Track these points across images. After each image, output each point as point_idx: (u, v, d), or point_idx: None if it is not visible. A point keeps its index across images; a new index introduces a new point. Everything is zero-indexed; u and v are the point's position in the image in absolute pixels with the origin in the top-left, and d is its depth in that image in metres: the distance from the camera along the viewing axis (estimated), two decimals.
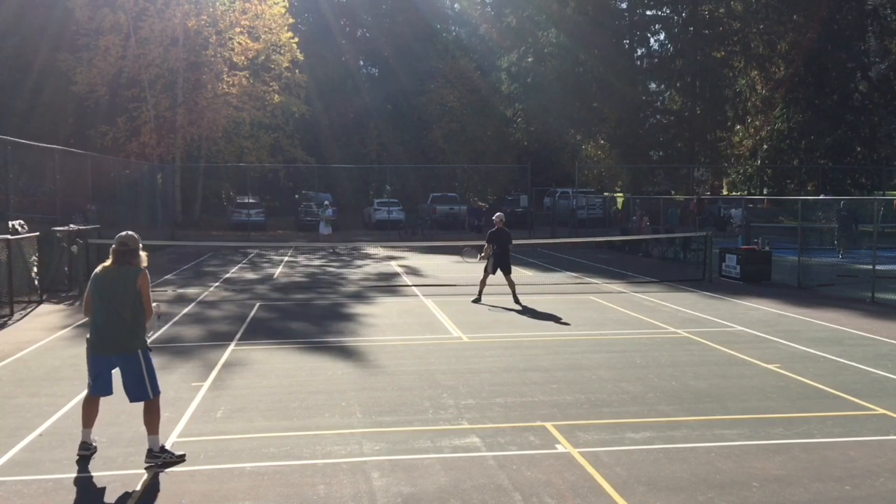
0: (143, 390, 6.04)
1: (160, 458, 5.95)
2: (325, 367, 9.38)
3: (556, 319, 12.86)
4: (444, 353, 10.16)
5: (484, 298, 14.85)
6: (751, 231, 24.59)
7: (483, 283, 14.97)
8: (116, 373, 6.14)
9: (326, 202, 29.14)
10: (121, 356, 6.03)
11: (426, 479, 5.73)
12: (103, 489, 5.54)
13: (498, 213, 15.55)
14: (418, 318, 12.95)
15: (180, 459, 6.00)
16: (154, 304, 6.25)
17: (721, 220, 36.40)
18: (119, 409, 7.49)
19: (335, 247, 27.72)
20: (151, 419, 6.05)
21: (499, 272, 14.86)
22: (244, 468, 5.93)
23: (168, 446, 6.39)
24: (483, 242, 15.45)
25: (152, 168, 31.82)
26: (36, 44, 35.32)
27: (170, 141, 36.63)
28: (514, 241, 25.60)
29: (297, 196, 41.53)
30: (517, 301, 14.51)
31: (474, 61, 51.21)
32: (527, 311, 13.73)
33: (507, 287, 14.85)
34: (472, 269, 21.72)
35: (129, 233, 6.26)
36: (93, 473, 5.82)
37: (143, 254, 6.23)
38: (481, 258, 15.31)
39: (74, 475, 5.80)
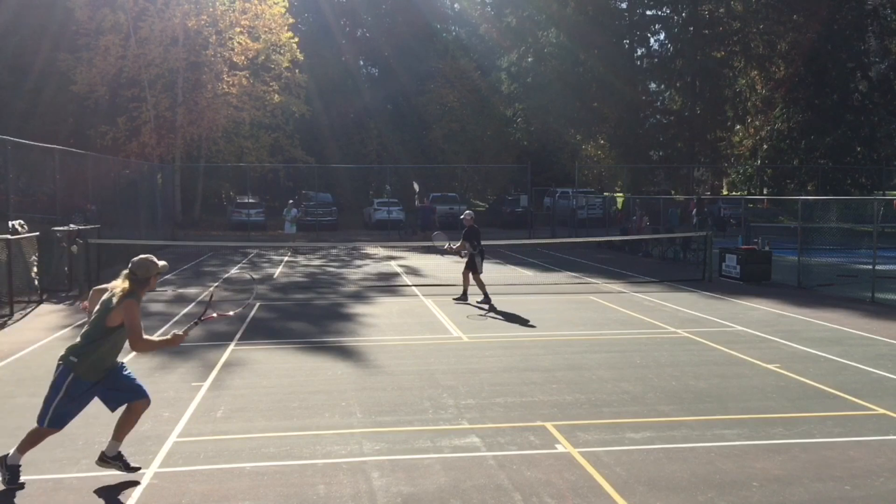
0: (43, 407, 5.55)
1: (8, 475, 5.56)
2: (325, 367, 9.37)
3: (556, 319, 12.86)
4: (444, 353, 10.16)
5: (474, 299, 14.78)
6: (751, 231, 24.59)
7: (480, 283, 14.67)
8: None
9: (291, 201, 29.42)
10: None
11: (426, 479, 5.73)
12: (103, 489, 5.54)
13: (468, 212, 15.35)
14: (418, 318, 12.94)
15: (19, 487, 5.55)
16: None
17: (721, 220, 36.41)
18: (118, 409, 7.49)
19: (297, 247, 27.95)
20: (29, 436, 5.62)
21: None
22: (244, 468, 5.93)
23: (168, 446, 6.40)
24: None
25: (152, 168, 31.78)
26: (36, 44, 35.28)
27: (170, 141, 36.61)
28: (514, 242, 25.95)
29: (297, 196, 41.58)
30: (486, 299, 14.28)
31: (474, 61, 51.21)
32: (526, 312, 13.71)
33: (507, 287, 14.82)
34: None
35: (143, 258, 5.79)
36: (93, 473, 5.81)
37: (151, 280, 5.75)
38: (449, 248, 15.04)
39: (74, 475, 5.80)
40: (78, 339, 5.68)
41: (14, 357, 9.86)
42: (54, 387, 5.51)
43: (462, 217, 15.21)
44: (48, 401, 5.52)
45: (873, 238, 16.45)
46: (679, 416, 7.32)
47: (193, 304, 14.49)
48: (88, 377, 5.56)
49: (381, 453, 6.26)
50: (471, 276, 14.68)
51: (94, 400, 7.90)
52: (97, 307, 5.75)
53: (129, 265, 5.73)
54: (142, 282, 5.66)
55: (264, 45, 37.25)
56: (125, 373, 5.82)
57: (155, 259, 5.79)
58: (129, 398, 5.74)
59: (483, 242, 15.23)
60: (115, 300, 5.56)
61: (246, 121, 37.84)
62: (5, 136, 15.96)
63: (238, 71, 37.13)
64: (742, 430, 6.91)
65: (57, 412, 5.50)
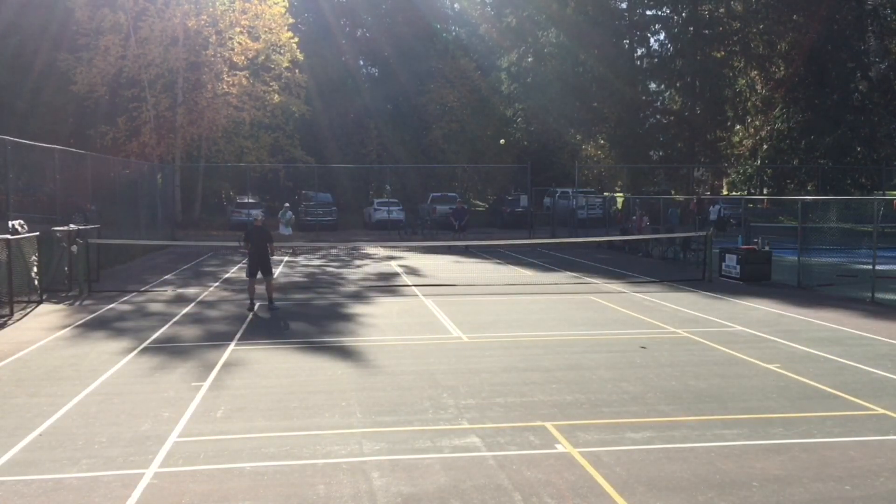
0: None
1: None
2: (325, 367, 9.37)
3: (556, 319, 12.86)
4: (444, 353, 10.16)
5: (485, 299, 14.77)
6: (751, 231, 24.56)
7: (250, 286, 14.17)
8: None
9: (287, 204, 29.52)
10: None
11: (426, 479, 5.73)
12: (103, 489, 5.54)
13: (256, 211, 15.06)
14: (418, 318, 12.95)
15: None
16: None
17: (721, 220, 36.40)
18: (119, 409, 7.50)
19: (293, 248, 27.89)
20: None
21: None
22: (244, 468, 5.93)
23: (168, 446, 6.40)
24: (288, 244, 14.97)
25: (152, 168, 31.78)
26: (36, 44, 35.29)
27: (170, 141, 36.62)
28: (515, 242, 25.88)
29: (296, 196, 41.55)
30: (272, 304, 14.05)
31: (474, 61, 51.19)
32: (526, 311, 13.71)
33: (507, 287, 14.79)
34: (473, 268, 21.73)
35: None
36: (93, 473, 5.82)
37: None
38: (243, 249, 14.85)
39: (74, 475, 5.79)
40: None
41: (14, 357, 9.86)
42: None
43: (253, 217, 14.81)
44: None
45: (873, 238, 16.44)
46: (679, 416, 7.32)
47: (193, 303, 14.48)
48: None
49: (381, 453, 6.26)
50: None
51: (92, 400, 7.90)
52: None
53: None
54: None
55: (264, 45, 37.24)
56: None
57: None
58: None
59: (483, 242, 15.19)
60: None
61: (246, 121, 37.83)
62: (5, 136, 15.97)
63: (238, 71, 37.13)
64: (742, 430, 6.91)
65: None
